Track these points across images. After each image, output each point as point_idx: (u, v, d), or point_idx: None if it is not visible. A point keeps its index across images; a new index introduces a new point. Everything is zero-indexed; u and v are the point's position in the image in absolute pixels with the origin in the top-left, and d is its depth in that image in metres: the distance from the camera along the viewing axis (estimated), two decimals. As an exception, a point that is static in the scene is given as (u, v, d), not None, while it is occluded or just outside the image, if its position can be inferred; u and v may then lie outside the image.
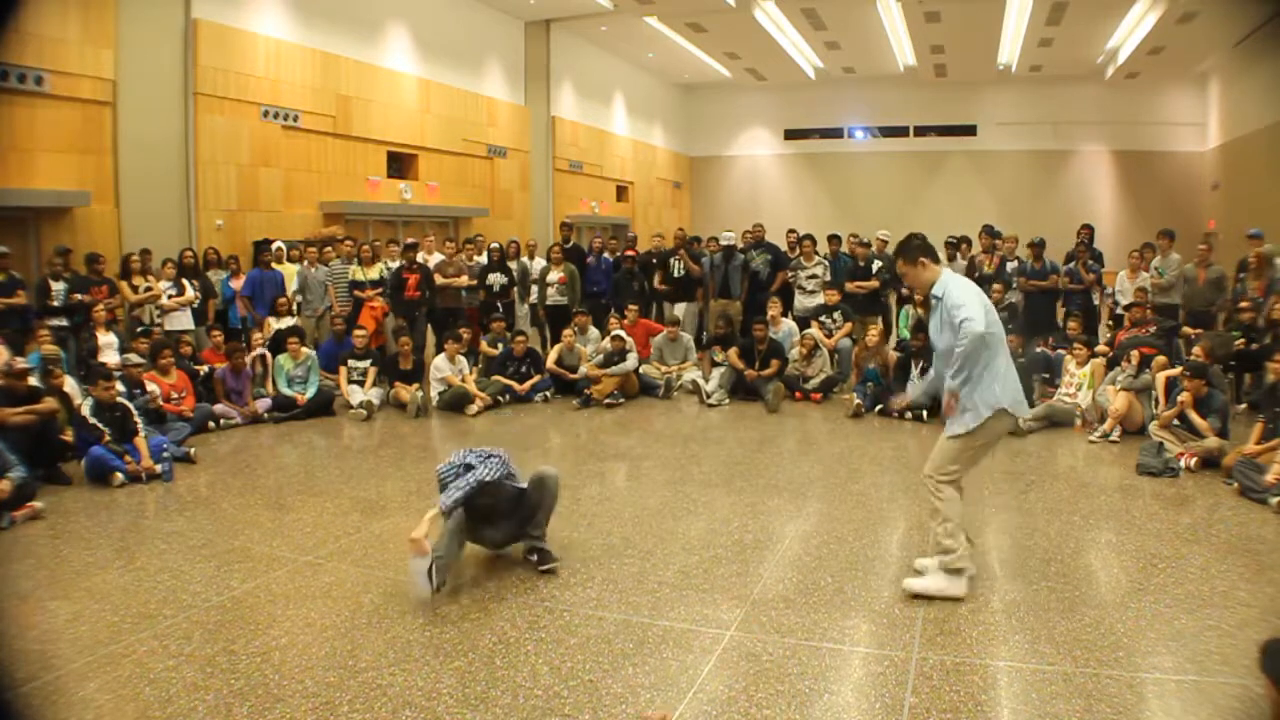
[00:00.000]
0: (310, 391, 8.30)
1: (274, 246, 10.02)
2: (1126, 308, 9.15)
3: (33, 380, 6.33)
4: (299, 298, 9.69)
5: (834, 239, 11.17)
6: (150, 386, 7.16)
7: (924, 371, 8.27)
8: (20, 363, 6.31)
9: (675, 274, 10.81)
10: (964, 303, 3.89)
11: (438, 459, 7.04)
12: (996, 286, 9.35)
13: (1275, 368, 6.62)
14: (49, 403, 6.18)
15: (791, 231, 11.28)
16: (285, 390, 8.25)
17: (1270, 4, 14.20)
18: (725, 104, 24.02)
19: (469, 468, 4.23)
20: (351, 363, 8.72)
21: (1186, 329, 8.95)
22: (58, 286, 8.12)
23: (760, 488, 5.86)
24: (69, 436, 6.26)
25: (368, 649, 3.52)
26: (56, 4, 8.82)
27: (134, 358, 7.33)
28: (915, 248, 4.12)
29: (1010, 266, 9.83)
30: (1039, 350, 8.65)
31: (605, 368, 8.91)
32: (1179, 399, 6.56)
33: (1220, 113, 19.03)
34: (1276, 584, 4.17)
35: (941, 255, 10.17)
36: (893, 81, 21.90)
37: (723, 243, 10.66)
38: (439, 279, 9.93)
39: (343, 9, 12.54)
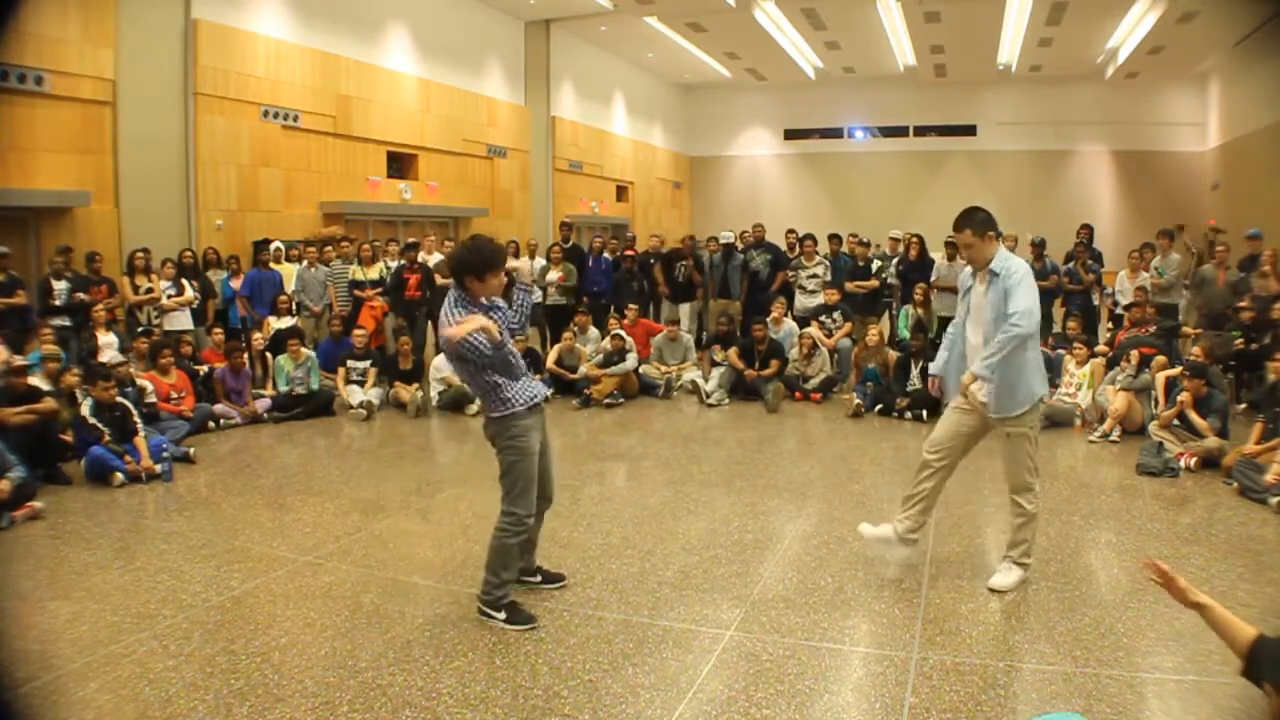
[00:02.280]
0: (312, 385, 8.31)
1: (272, 247, 10.02)
2: (1126, 308, 9.15)
3: (33, 380, 6.33)
4: (300, 297, 9.69)
5: (835, 239, 11.18)
6: (141, 382, 7.16)
7: (924, 373, 8.27)
8: (19, 361, 6.31)
9: (679, 278, 10.83)
10: (1024, 297, 3.84)
11: (437, 459, 7.08)
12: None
13: (1275, 367, 6.61)
14: (49, 402, 6.18)
15: (791, 232, 11.28)
16: (285, 390, 8.25)
17: (1270, 4, 14.20)
18: (725, 104, 24.02)
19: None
20: (351, 363, 8.72)
21: (1187, 329, 8.95)
22: (60, 286, 8.12)
23: (760, 488, 5.86)
24: (68, 437, 6.26)
25: (368, 649, 3.52)
26: (56, 4, 8.82)
27: (119, 356, 7.32)
28: (984, 220, 3.99)
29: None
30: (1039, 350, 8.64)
31: (605, 368, 8.91)
32: (1179, 399, 6.56)
33: (1220, 113, 19.03)
34: (1276, 584, 4.17)
35: (941, 255, 10.19)
36: (893, 81, 21.90)
37: (722, 241, 10.66)
38: (439, 279, 9.93)
39: (343, 9, 12.54)
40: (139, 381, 7.16)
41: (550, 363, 9.23)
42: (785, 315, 9.66)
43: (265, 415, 8.01)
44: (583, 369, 9.01)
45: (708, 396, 8.78)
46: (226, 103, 10.61)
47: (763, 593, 4.09)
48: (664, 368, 9.36)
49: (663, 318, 10.47)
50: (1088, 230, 10.40)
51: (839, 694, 3.20)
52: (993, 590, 4.08)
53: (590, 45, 18.86)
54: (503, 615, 3.76)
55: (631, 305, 9.92)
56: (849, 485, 5.95)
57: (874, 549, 4.38)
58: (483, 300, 3.66)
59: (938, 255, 9.96)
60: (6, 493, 5.08)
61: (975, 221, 4.00)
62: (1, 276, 7.81)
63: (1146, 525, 5.09)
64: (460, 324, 3.45)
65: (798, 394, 8.87)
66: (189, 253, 9.40)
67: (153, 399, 7.17)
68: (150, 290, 8.64)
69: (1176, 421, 6.54)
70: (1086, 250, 10.00)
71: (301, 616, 3.84)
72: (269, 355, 8.69)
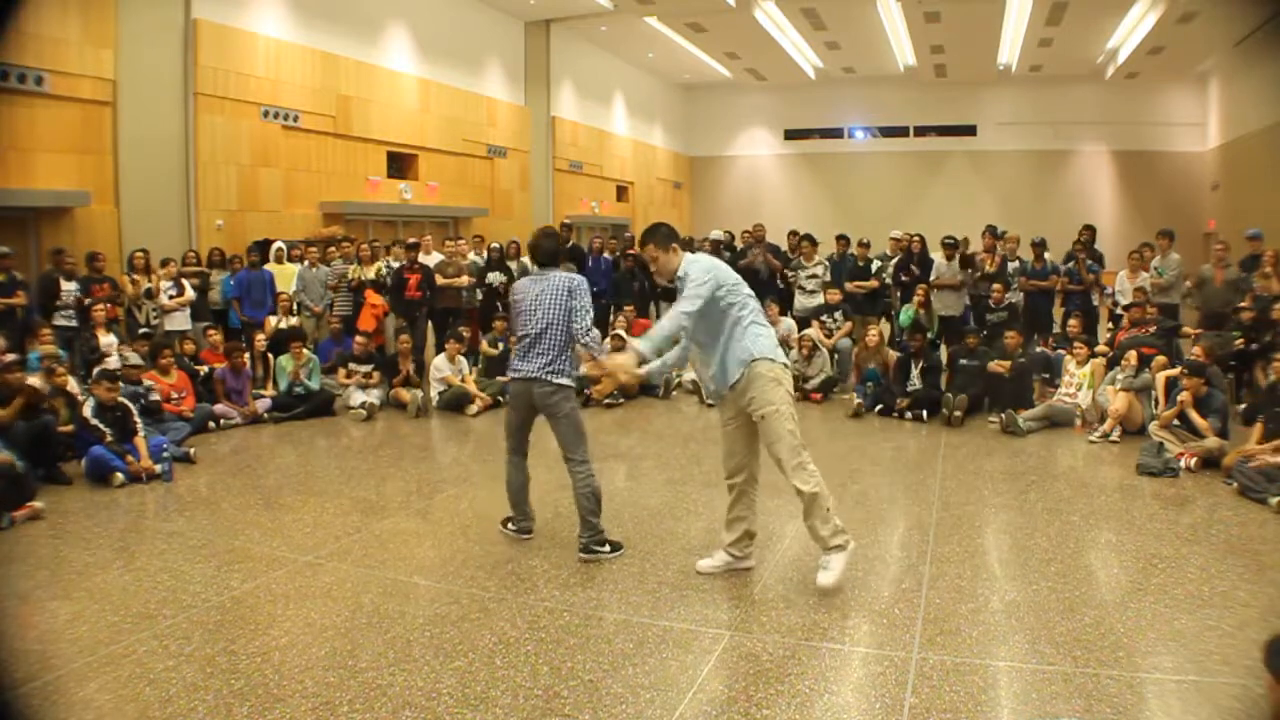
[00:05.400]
0: (314, 385, 8.33)
1: (274, 247, 10.03)
2: (1126, 308, 9.14)
3: (31, 379, 6.32)
4: (300, 297, 9.68)
5: (842, 239, 11.13)
6: (148, 382, 7.16)
7: (924, 373, 8.28)
8: (9, 356, 6.31)
9: None
10: (695, 278, 4.01)
11: (437, 459, 7.09)
12: (997, 286, 9.35)
13: (1276, 367, 6.60)
14: (32, 383, 6.16)
15: (794, 233, 11.28)
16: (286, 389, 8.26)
17: (1270, 4, 14.20)
18: (725, 104, 24.04)
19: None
20: (352, 366, 8.71)
21: (1187, 329, 8.94)
22: (68, 286, 8.13)
23: (760, 488, 5.84)
24: (68, 428, 6.24)
25: (368, 649, 3.52)
26: (56, 4, 8.83)
27: (133, 358, 7.32)
28: (666, 234, 4.21)
29: (1011, 266, 9.84)
30: (1039, 350, 8.65)
31: (605, 368, 8.89)
32: (1179, 398, 6.56)
33: (1220, 113, 19.04)
34: (1276, 584, 4.17)
35: (940, 255, 10.17)
36: (893, 81, 21.92)
37: (711, 239, 10.64)
38: (439, 279, 9.93)
39: (343, 9, 12.54)
40: (148, 384, 7.15)
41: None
42: (780, 315, 9.62)
43: (265, 415, 8.01)
44: (583, 369, 8.98)
45: (708, 396, 8.76)
46: (226, 103, 10.61)
47: (763, 593, 4.09)
48: (664, 368, 9.34)
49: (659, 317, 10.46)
50: (1090, 231, 10.38)
51: (839, 694, 3.20)
52: (823, 589, 3.99)
53: (590, 45, 18.87)
54: (608, 549, 4.52)
55: (627, 305, 9.91)
56: (849, 485, 5.94)
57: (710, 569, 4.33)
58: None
59: (937, 255, 9.96)
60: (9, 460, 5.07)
61: (658, 236, 4.20)
62: (1, 276, 7.81)
63: (1146, 525, 5.09)
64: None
65: (797, 394, 8.85)
66: (192, 254, 9.41)
67: (156, 396, 7.17)
68: (149, 287, 8.62)
69: (1176, 421, 6.54)
70: (1085, 250, 9.98)
71: (301, 616, 3.84)
72: (270, 356, 8.69)
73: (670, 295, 10.98)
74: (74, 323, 8.06)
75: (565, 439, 4.67)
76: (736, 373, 4.06)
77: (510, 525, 4.84)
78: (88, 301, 8.11)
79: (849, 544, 4.06)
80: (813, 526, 4.05)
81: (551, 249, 4.73)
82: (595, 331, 4.71)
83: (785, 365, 4.14)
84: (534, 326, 4.54)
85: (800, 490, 4.00)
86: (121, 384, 6.42)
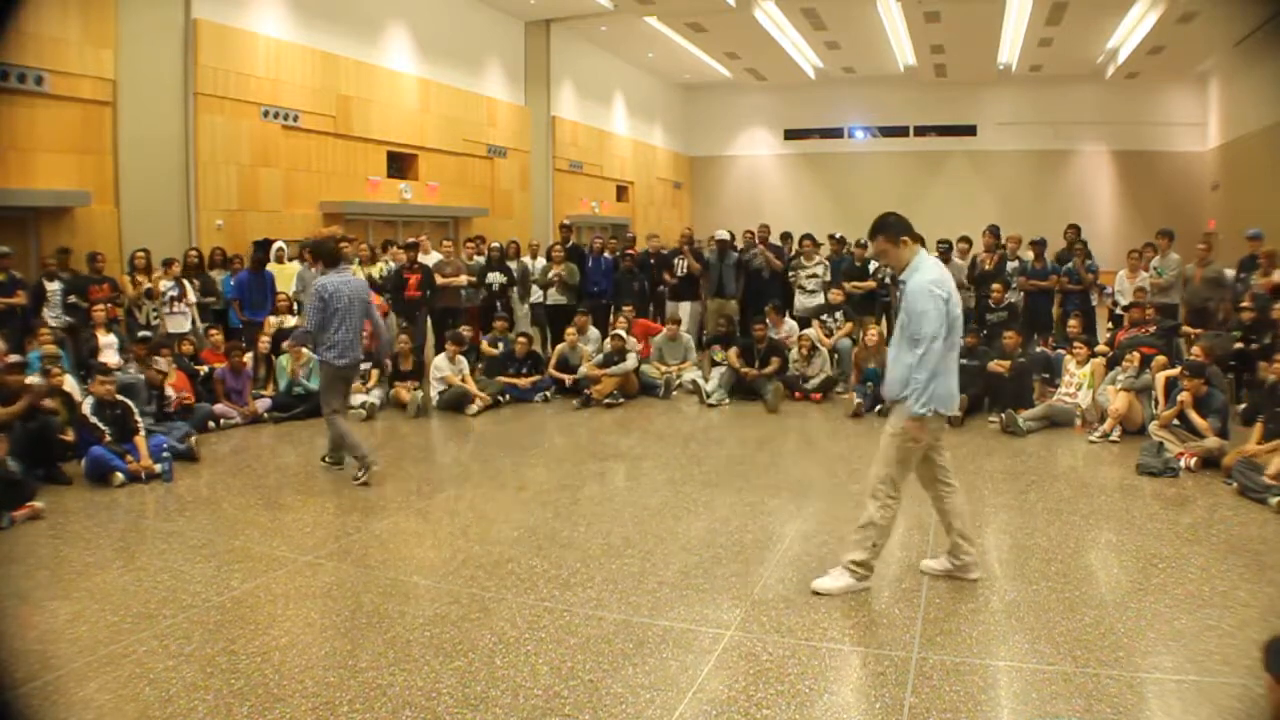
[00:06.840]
0: (313, 386, 8.32)
1: (274, 247, 10.02)
2: (1125, 308, 9.14)
3: (31, 379, 6.32)
4: (300, 297, 9.67)
5: (838, 240, 11.13)
6: (168, 392, 7.19)
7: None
8: (13, 357, 6.30)
9: (680, 273, 10.82)
10: (925, 309, 3.81)
11: (437, 459, 7.09)
12: (996, 286, 9.35)
13: (1276, 369, 6.60)
14: (35, 386, 6.16)
15: (786, 235, 11.30)
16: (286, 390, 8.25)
17: (1270, 4, 14.21)
18: (725, 104, 24.03)
19: None
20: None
21: (1187, 328, 8.95)
22: (53, 286, 8.13)
23: (760, 488, 5.86)
24: (70, 436, 6.25)
25: (368, 649, 3.52)
26: (56, 4, 8.83)
27: (161, 363, 7.32)
28: (895, 225, 3.97)
29: (1011, 266, 9.83)
30: (1039, 350, 8.65)
31: (605, 367, 8.90)
32: (1178, 398, 6.56)
33: (1220, 113, 19.04)
34: (1276, 584, 4.17)
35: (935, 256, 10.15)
36: (893, 81, 21.91)
37: (717, 239, 10.65)
38: (439, 279, 9.93)
39: (343, 9, 12.54)
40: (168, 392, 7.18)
41: (552, 366, 9.22)
42: (783, 317, 9.63)
43: (265, 415, 8.01)
44: (582, 369, 9.00)
45: (708, 396, 8.77)
46: (226, 103, 10.61)
47: (763, 593, 4.09)
48: (664, 368, 9.35)
49: (665, 317, 10.47)
50: (1075, 230, 10.38)
51: (839, 694, 3.20)
52: (814, 592, 4.02)
53: (590, 45, 18.87)
54: (339, 466, 6.16)
55: (627, 305, 9.91)
56: (849, 485, 5.94)
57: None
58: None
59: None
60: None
61: (887, 229, 3.99)
62: (1, 276, 7.81)
63: (1146, 525, 5.09)
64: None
65: (798, 394, 8.86)
66: (193, 253, 9.41)
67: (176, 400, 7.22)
68: (149, 288, 8.61)
69: (1176, 421, 6.54)
70: (1084, 250, 9.98)
71: (301, 616, 3.84)
72: (272, 356, 8.67)
73: (677, 295, 11.11)
74: (68, 320, 8.05)
75: (337, 394, 6.04)
76: (898, 391, 3.94)
77: (328, 459, 6.17)
78: (72, 300, 8.10)
79: (862, 580, 4.04)
80: (856, 540, 4.06)
81: (337, 250, 5.96)
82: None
83: (946, 406, 3.98)
84: (357, 318, 5.86)
85: (869, 510, 4.03)
86: (139, 383, 6.44)
